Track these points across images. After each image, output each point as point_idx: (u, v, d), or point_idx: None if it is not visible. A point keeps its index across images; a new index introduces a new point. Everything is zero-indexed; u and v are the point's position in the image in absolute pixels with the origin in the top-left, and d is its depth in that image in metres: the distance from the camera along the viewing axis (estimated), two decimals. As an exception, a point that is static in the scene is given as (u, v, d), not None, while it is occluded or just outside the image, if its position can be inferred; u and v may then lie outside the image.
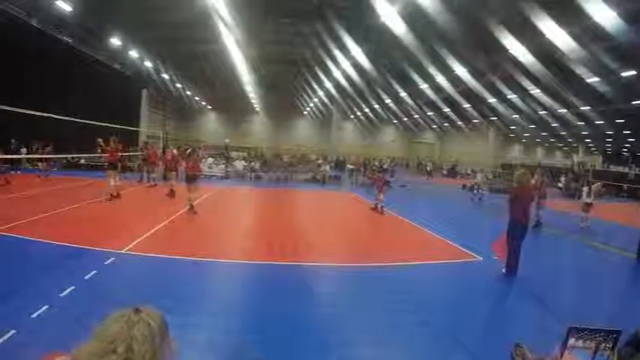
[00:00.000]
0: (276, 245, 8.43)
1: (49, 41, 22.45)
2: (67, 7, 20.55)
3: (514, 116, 40.26)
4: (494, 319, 5.41)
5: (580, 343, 1.81)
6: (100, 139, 13.67)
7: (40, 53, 20.89)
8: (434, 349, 4.39)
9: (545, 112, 35.87)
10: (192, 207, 11.43)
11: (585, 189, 14.29)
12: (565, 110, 34.18)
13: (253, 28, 24.26)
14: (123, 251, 7.01)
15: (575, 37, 17.88)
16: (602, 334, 1.81)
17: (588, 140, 56.19)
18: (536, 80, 25.72)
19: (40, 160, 17.45)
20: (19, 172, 17.62)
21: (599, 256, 9.92)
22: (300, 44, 28.92)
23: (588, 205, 13.49)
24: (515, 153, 64.41)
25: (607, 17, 14.90)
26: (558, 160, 65.08)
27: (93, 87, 25.61)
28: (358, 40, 23.89)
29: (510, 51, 20.96)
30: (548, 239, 11.51)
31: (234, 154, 31.74)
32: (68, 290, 5.04)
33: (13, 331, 3.92)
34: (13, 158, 16.20)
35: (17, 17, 20.02)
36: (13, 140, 17.07)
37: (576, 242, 11.28)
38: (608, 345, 1.81)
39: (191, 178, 11.78)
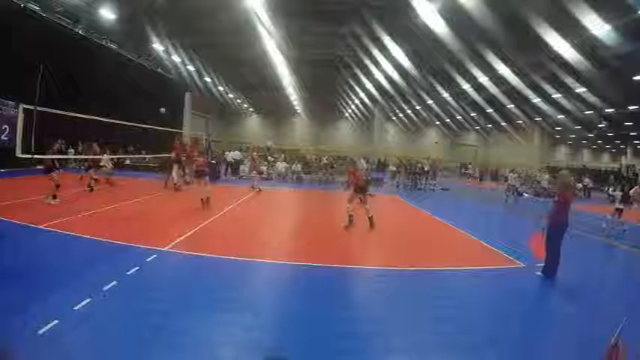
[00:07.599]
0: (316, 247, 8.33)
1: (94, 47, 23.68)
2: (110, 16, 21.50)
3: (559, 117, 38.68)
4: (537, 329, 5.08)
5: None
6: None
7: (86, 59, 21.96)
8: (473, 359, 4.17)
9: (591, 111, 34.22)
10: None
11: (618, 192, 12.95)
12: (612, 110, 32.47)
13: (293, 31, 24.39)
14: (165, 249, 7.16)
15: (621, 32, 16.98)
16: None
17: (637, 142, 53.29)
18: (581, 78, 24.56)
19: (86, 160, 18.02)
20: (60, 170, 18.16)
21: None
22: (341, 46, 28.84)
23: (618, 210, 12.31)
24: (562, 155, 61.76)
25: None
26: (605, 162, 62.22)
27: (137, 90, 26.54)
28: (399, 41, 23.58)
29: (554, 48, 20.13)
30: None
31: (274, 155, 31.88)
32: (110, 285, 5.17)
33: (55, 321, 4.07)
34: (60, 159, 16.91)
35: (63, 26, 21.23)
36: (59, 141, 17.78)
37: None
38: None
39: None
